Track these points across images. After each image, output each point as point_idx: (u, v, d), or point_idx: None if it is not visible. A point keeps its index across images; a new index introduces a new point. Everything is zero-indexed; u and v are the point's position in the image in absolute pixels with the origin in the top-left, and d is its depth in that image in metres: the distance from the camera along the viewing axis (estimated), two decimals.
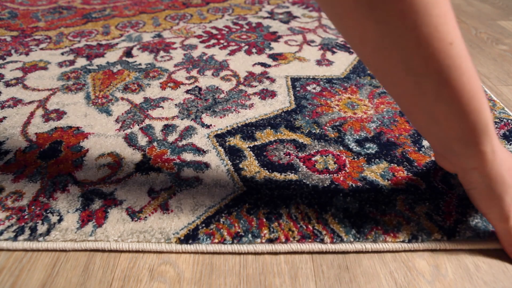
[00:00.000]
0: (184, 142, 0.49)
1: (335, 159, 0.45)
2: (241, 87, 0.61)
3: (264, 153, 0.47)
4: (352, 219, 0.38)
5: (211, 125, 0.52)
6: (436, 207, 0.39)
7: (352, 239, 0.36)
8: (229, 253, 0.36)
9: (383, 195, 0.40)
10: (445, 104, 0.30)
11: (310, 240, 0.36)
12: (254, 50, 0.73)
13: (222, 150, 0.47)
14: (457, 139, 0.32)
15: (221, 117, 0.53)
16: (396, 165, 0.45)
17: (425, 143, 0.48)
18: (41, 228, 0.37)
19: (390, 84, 0.31)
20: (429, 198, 0.40)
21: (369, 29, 0.28)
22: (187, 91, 0.60)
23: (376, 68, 0.31)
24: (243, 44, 0.76)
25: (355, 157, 0.46)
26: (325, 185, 0.42)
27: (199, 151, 0.47)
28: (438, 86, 0.29)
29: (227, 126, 0.51)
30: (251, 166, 0.45)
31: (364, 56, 0.31)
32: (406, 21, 0.26)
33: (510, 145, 0.48)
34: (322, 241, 0.36)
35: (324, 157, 0.46)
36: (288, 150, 0.47)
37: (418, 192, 0.41)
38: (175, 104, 0.56)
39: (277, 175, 0.43)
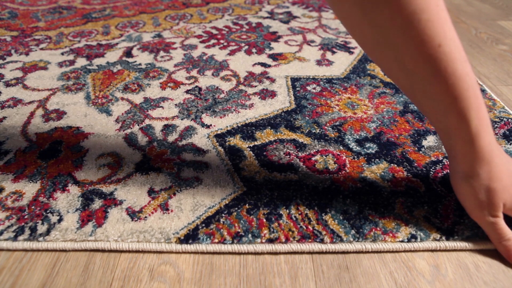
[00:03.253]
0: (184, 142, 0.49)
1: (335, 159, 0.45)
2: (241, 87, 0.61)
3: (264, 153, 0.47)
4: (352, 221, 0.38)
5: (211, 125, 0.52)
6: (434, 210, 0.39)
7: (351, 239, 0.36)
8: (229, 253, 0.36)
9: (383, 197, 0.40)
10: (433, 101, 0.33)
11: (310, 240, 0.36)
12: (254, 50, 0.73)
13: (222, 150, 0.47)
14: (446, 125, 0.34)
15: (221, 117, 0.53)
16: (396, 165, 0.45)
17: (425, 143, 0.48)
18: (41, 228, 0.37)
19: (391, 77, 0.35)
20: (427, 201, 0.40)
21: (366, 31, 0.32)
22: (187, 91, 0.60)
23: (378, 63, 0.35)
24: (243, 44, 0.76)
25: (355, 157, 0.46)
26: (325, 186, 0.42)
27: (199, 151, 0.47)
28: (425, 84, 0.32)
29: (227, 126, 0.51)
30: (251, 166, 0.45)
31: (367, 52, 0.35)
32: (395, 24, 0.29)
33: (510, 144, 0.48)
34: (322, 241, 0.36)
35: (324, 157, 0.46)
36: (288, 150, 0.47)
37: (417, 195, 0.41)
38: (175, 104, 0.56)
39: (277, 175, 0.43)
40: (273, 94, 0.59)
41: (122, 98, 0.58)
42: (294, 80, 0.63)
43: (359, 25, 0.32)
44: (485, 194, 0.34)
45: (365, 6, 0.29)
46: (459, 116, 0.32)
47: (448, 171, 0.44)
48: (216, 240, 0.36)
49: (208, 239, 0.36)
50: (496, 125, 0.52)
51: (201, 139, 0.49)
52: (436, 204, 0.40)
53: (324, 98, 0.58)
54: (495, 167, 0.34)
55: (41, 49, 0.74)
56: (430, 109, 0.34)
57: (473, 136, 0.33)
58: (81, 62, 0.69)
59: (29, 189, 0.42)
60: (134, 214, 0.39)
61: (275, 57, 0.70)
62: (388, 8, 0.29)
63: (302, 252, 0.36)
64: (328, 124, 0.52)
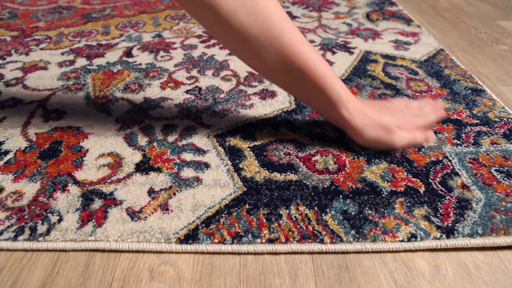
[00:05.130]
0: (184, 142, 0.49)
1: (335, 159, 0.45)
2: (241, 87, 0.61)
3: (264, 153, 0.47)
4: (352, 221, 0.38)
5: (211, 125, 0.52)
6: (434, 209, 0.39)
7: (351, 239, 0.36)
8: (229, 253, 0.36)
9: (382, 197, 0.40)
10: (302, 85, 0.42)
11: (310, 241, 0.36)
12: None
13: (222, 150, 0.47)
14: (322, 107, 0.45)
15: (221, 117, 0.53)
16: (396, 165, 0.45)
17: (425, 143, 0.48)
18: (41, 228, 0.37)
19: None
20: (427, 201, 0.40)
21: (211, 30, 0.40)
22: (187, 91, 0.60)
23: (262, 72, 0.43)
24: None
25: (355, 157, 0.46)
26: (325, 186, 0.42)
27: (199, 151, 0.47)
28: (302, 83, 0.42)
29: (227, 126, 0.51)
30: (251, 166, 0.45)
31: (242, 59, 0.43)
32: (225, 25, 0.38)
33: (510, 144, 0.48)
34: (322, 241, 0.36)
35: (324, 157, 0.46)
36: (288, 150, 0.47)
37: (416, 194, 0.41)
38: (175, 104, 0.56)
39: (277, 175, 0.43)
40: (273, 94, 0.59)
41: (122, 98, 0.58)
42: None
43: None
44: (379, 126, 0.44)
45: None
46: (328, 91, 0.42)
47: (447, 171, 0.44)
48: (216, 240, 0.36)
49: (208, 239, 0.36)
50: (496, 125, 0.52)
51: (201, 139, 0.49)
52: (436, 204, 0.40)
53: None
54: (369, 105, 0.45)
55: (41, 49, 0.74)
56: (297, 93, 0.45)
57: (345, 103, 0.43)
58: (81, 62, 0.69)
59: (29, 189, 0.42)
60: (134, 214, 0.39)
61: None
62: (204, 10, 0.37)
63: (302, 252, 0.36)
64: (328, 125, 0.52)
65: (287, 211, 0.39)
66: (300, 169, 0.44)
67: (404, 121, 0.45)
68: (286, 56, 0.39)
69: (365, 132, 0.43)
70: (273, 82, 0.45)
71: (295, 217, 0.38)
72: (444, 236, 0.36)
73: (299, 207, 0.39)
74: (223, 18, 0.36)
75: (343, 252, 0.36)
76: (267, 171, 0.44)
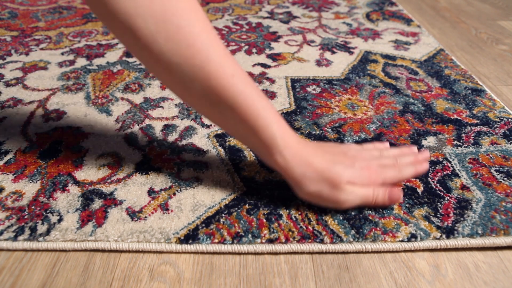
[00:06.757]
0: (184, 142, 0.49)
1: None
2: None
3: None
4: (352, 221, 0.38)
5: (211, 125, 0.52)
6: (434, 209, 0.39)
7: (351, 239, 0.36)
8: (229, 253, 0.36)
9: None
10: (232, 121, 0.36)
11: (310, 241, 0.36)
12: (254, 50, 0.73)
13: (222, 150, 0.47)
14: (256, 150, 0.38)
15: None
16: None
17: (425, 143, 0.48)
18: (41, 228, 0.37)
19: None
20: (427, 201, 0.40)
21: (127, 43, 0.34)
22: None
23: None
24: (243, 44, 0.76)
25: None
26: None
27: (199, 151, 0.47)
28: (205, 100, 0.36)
29: None
30: (251, 166, 0.45)
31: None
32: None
33: (510, 144, 0.48)
34: (322, 241, 0.36)
35: None
36: None
37: (415, 195, 0.41)
38: (175, 104, 0.56)
39: (277, 175, 0.43)
40: (273, 95, 0.59)
41: (122, 98, 0.58)
42: (294, 81, 0.63)
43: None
44: (323, 180, 0.36)
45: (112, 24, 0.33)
46: (261, 133, 0.36)
47: (447, 173, 0.44)
48: (216, 240, 0.36)
49: (208, 239, 0.36)
50: (496, 125, 0.52)
51: (201, 139, 0.49)
52: (436, 204, 0.40)
53: (324, 99, 0.58)
54: (311, 151, 0.37)
55: (41, 49, 0.74)
56: (229, 127, 0.38)
57: (280, 148, 0.36)
58: (81, 62, 0.69)
59: (29, 189, 0.42)
60: (134, 214, 0.39)
61: (274, 57, 0.70)
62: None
63: (302, 252, 0.36)
64: (328, 126, 0.52)
65: (287, 211, 0.39)
66: None
67: (365, 174, 0.37)
68: (213, 89, 0.34)
69: (304, 185, 0.36)
70: (204, 116, 0.39)
71: (295, 217, 0.38)
72: (444, 236, 0.36)
73: (299, 207, 0.39)
74: (142, 43, 0.32)
75: (343, 252, 0.36)
76: (267, 171, 0.44)
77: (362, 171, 0.37)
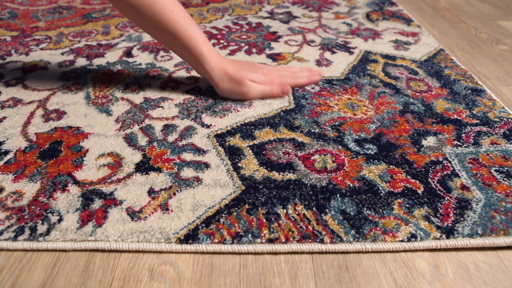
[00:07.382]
0: (184, 142, 0.49)
1: (334, 158, 0.45)
2: None
3: (263, 152, 0.47)
4: (352, 221, 0.38)
5: (211, 125, 0.52)
6: (434, 209, 0.39)
7: (351, 239, 0.36)
8: (229, 253, 0.36)
9: (380, 197, 0.40)
10: (174, 43, 0.53)
11: (310, 240, 0.36)
12: (254, 50, 0.73)
13: (222, 150, 0.47)
14: (191, 63, 0.56)
15: (221, 117, 0.53)
16: (395, 166, 0.45)
17: (425, 143, 0.48)
18: (41, 228, 0.37)
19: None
20: (427, 201, 0.40)
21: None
22: (187, 91, 0.60)
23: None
24: (243, 44, 0.76)
25: (354, 156, 0.46)
26: (324, 185, 0.42)
27: (199, 151, 0.47)
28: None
29: (227, 126, 0.51)
30: (250, 164, 0.45)
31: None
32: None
33: (510, 144, 0.48)
34: (322, 241, 0.36)
35: (323, 156, 0.46)
36: (287, 149, 0.47)
37: (415, 195, 0.41)
38: (175, 104, 0.56)
39: (276, 174, 0.43)
40: None
41: (122, 98, 0.58)
42: None
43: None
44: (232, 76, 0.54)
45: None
46: (192, 49, 0.52)
47: (447, 173, 0.44)
48: (216, 240, 0.36)
49: (208, 239, 0.36)
50: (496, 125, 0.52)
51: (201, 139, 0.49)
52: (436, 204, 0.40)
53: (323, 98, 0.58)
54: (222, 60, 0.55)
55: (41, 49, 0.74)
56: (176, 50, 0.55)
57: (207, 59, 0.53)
58: (81, 62, 0.69)
59: (29, 189, 0.42)
60: (134, 214, 0.39)
61: (273, 57, 0.70)
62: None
63: (302, 252, 0.36)
64: (327, 124, 0.52)
65: (284, 210, 0.39)
66: (299, 168, 0.44)
67: (266, 78, 0.56)
68: (158, 22, 0.49)
69: (221, 84, 0.55)
70: (157, 40, 0.59)
71: (293, 216, 0.38)
72: (444, 236, 0.36)
73: (296, 207, 0.39)
74: None
75: (343, 252, 0.36)
76: (266, 169, 0.44)
77: (263, 75, 0.56)
